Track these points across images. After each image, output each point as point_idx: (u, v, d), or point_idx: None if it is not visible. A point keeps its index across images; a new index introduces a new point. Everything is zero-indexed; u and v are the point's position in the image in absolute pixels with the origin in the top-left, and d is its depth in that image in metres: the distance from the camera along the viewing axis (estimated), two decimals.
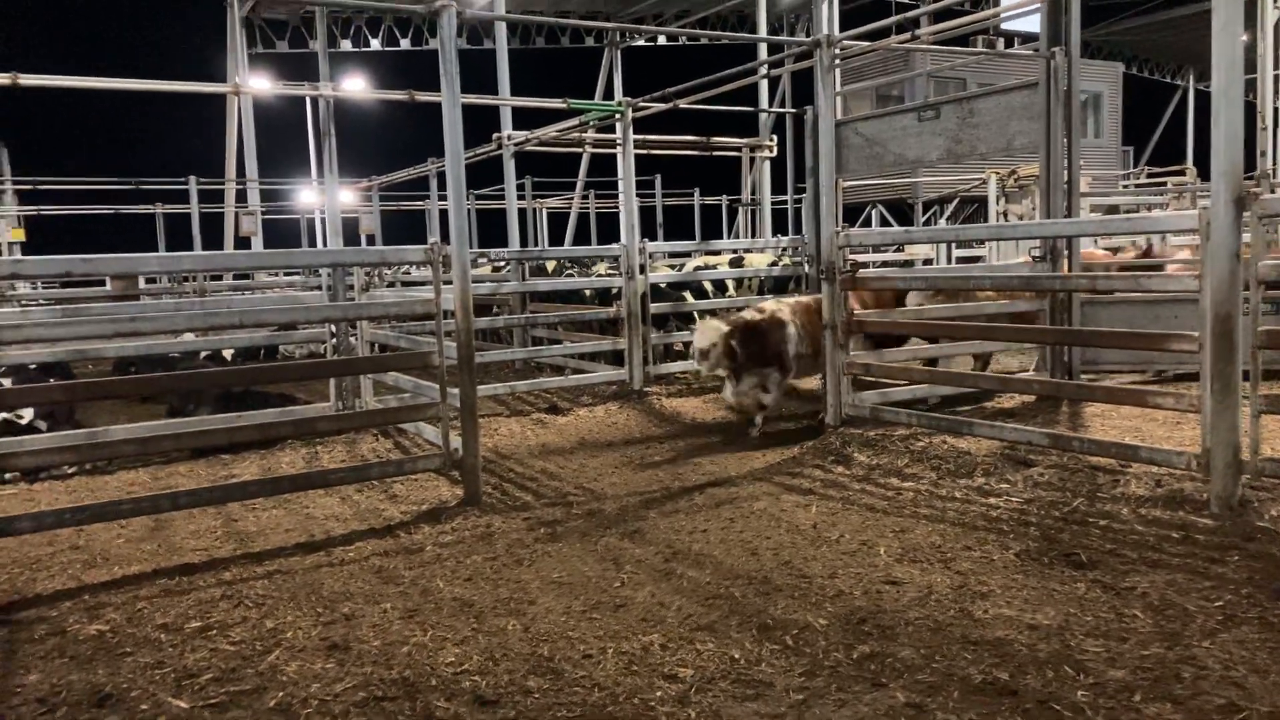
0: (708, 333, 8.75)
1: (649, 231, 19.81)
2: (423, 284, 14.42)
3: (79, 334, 6.09)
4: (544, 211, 27.81)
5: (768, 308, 9.14)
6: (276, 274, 21.70)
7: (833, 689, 3.94)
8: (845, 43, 9.33)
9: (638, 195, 26.34)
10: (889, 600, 4.82)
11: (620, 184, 11.12)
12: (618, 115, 12.14)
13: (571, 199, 26.80)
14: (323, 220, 24.43)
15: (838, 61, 9.13)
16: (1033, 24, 15.67)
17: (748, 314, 9.10)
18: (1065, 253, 9.14)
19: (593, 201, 26.37)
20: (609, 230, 27.62)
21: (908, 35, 12.41)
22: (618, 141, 13.43)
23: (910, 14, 14.70)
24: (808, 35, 16.66)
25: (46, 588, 5.54)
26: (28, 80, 8.76)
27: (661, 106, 11.83)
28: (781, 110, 17.70)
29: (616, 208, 26.31)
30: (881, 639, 4.37)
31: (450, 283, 7.03)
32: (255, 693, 4.09)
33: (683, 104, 11.99)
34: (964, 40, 22.90)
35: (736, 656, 4.27)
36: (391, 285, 14.59)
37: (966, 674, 3.95)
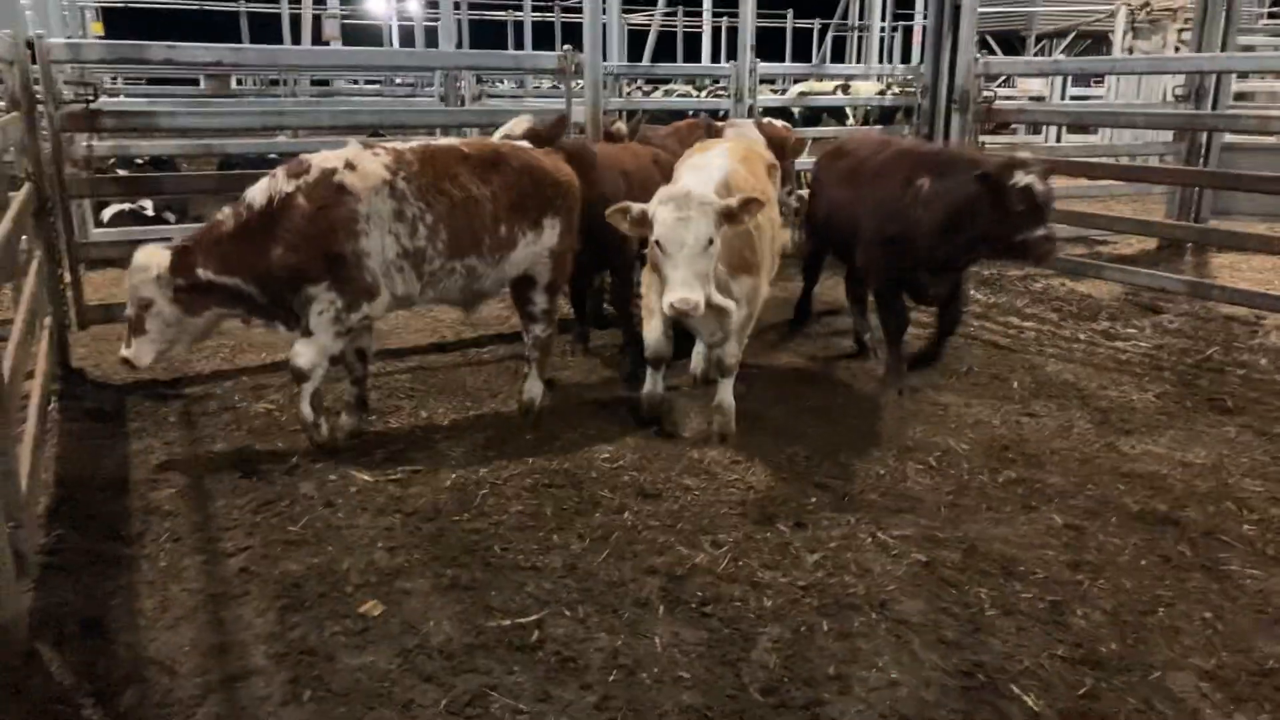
0: None
1: (734, 53, 18.89)
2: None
3: (223, 125, 6.12)
4: (626, 29, 26.63)
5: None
6: (357, 80, 21.29)
7: (983, 508, 4.06)
8: None
9: (718, 12, 25.05)
10: (1030, 431, 4.88)
11: None
12: None
13: (652, 14, 25.52)
14: (389, 28, 23.74)
15: None
16: None
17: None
18: (1211, 91, 8.62)
19: (680, 19, 25.15)
20: (691, 51, 26.46)
21: None
22: None
23: None
24: None
25: (204, 368, 5.83)
26: None
27: None
28: None
29: (699, 27, 25.12)
30: (1027, 466, 4.46)
31: (580, 96, 6.86)
32: (430, 473, 4.34)
33: None
34: None
35: (882, 472, 4.40)
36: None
37: (1122, 503, 4.05)
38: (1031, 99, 15.38)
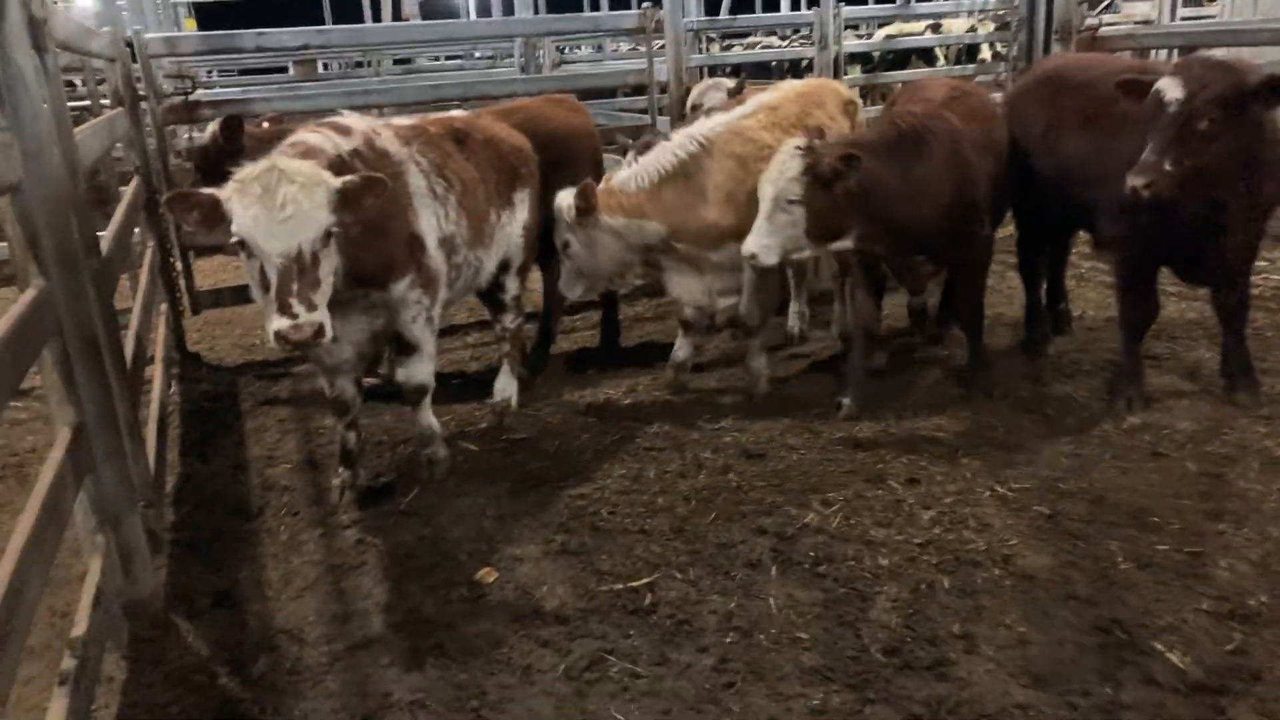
0: None
1: (814, 1, 18.42)
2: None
3: (313, 108, 6.25)
4: None
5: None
6: (438, 57, 21.49)
7: (1107, 457, 3.85)
8: None
9: None
10: (1153, 375, 4.58)
11: None
12: None
13: None
14: (466, 2, 23.77)
15: None
16: None
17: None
18: None
19: None
20: (772, 3, 25.77)
21: None
22: None
23: None
24: None
25: None
26: None
27: None
28: None
29: None
30: (1153, 411, 4.21)
31: (663, 54, 6.73)
32: (533, 441, 4.37)
33: None
34: None
35: (996, 424, 4.22)
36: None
37: (1263, 447, 3.79)
38: (1137, 23, 14.46)
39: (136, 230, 5.50)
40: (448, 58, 21.33)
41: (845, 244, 4.15)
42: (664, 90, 6.86)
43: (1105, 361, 4.81)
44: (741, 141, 4.45)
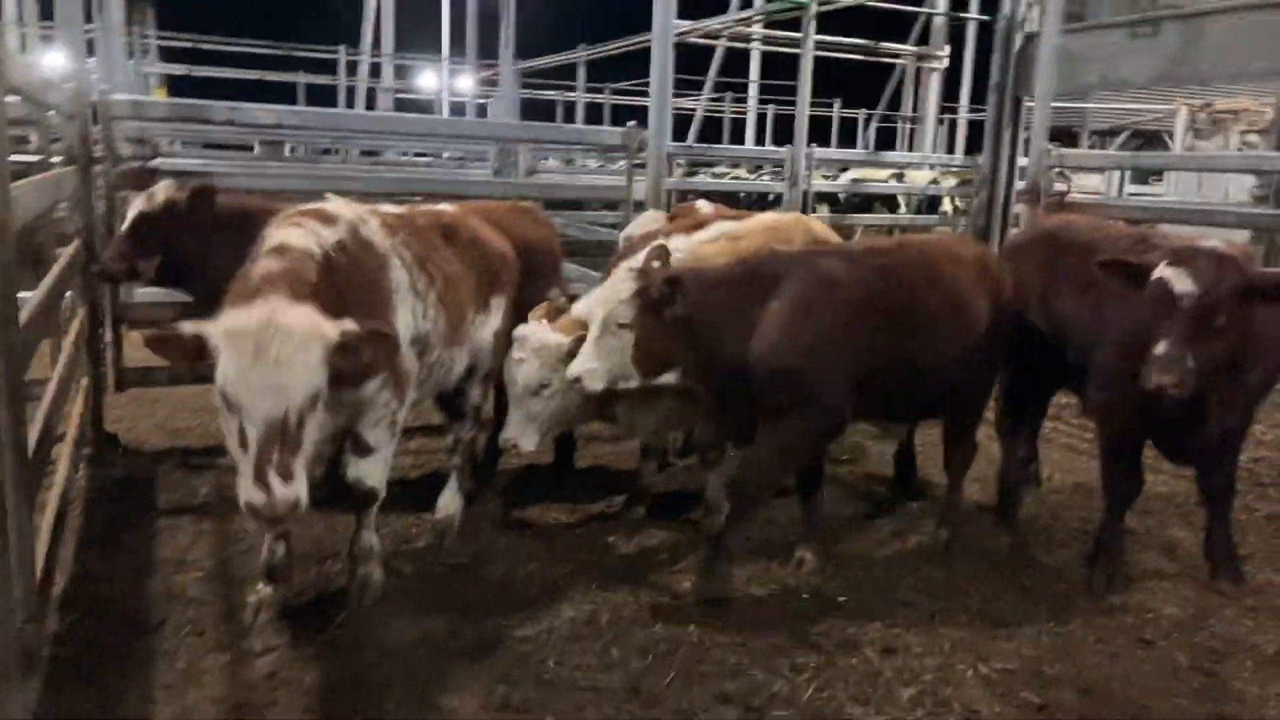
0: None
1: (779, 138, 19.01)
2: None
3: (279, 188, 6.02)
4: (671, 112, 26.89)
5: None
6: (406, 153, 21.59)
7: (1090, 640, 3.62)
8: None
9: (764, 99, 25.31)
10: (1131, 552, 4.42)
11: (798, 84, 10.39)
12: (800, 7, 11.39)
13: (698, 98, 25.72)
14: (440, 102, 24.09)
15: None
16: None
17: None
18: None
19: (728, 105, 25.41)
20: (736, 135, 26.66)
21: None
22: (799, 37, 12.62)
23: None
24: None
25: None
26: None
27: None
28: (958, 15, 16.41)
29: (744, 112, 25.31)
30: (1135, 591, 4.01)
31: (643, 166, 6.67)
32: (475, 568, 3.99)
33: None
34: None
35: (970, 590, 3.98)
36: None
37: (1253, 643, 3.60)
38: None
39: (68, 295, 5.12)
40: (416, 154, 21.45)
41: (670, 378, 3.81)
42: (638, 208, 6.78)
43: (1078, 529, 4.64)
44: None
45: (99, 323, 5.32)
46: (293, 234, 3.16)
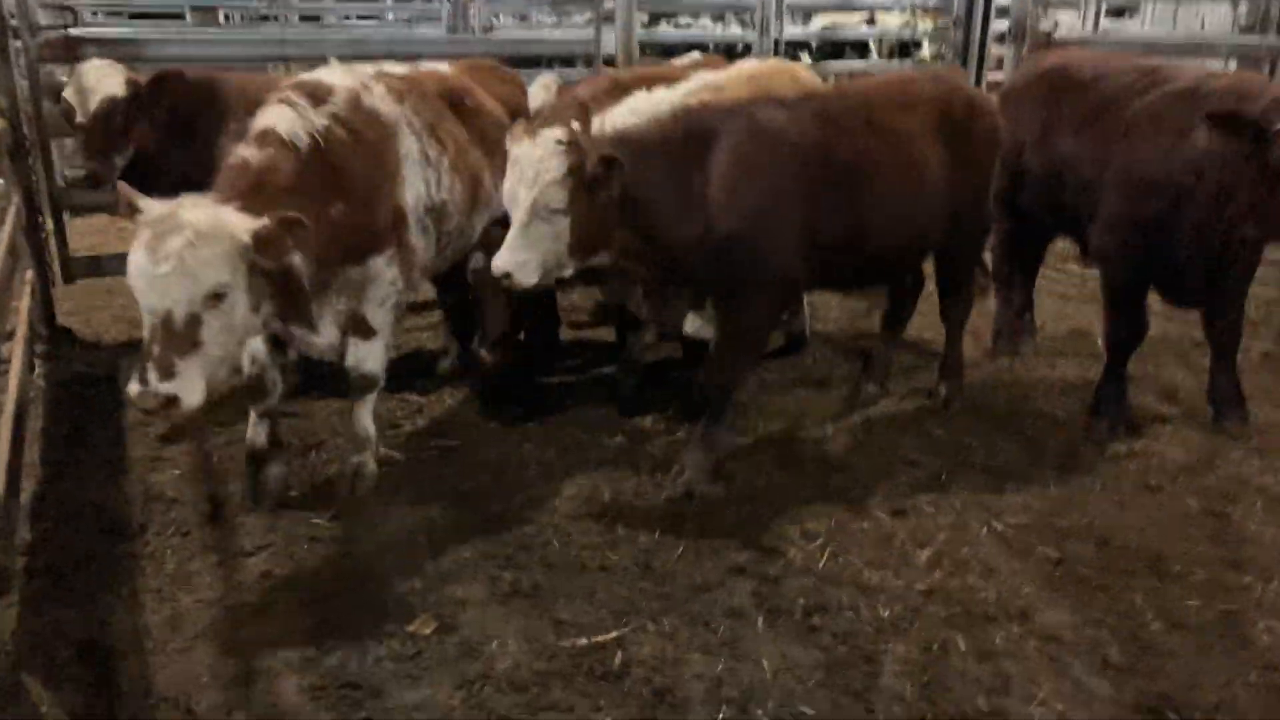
0: None
1: None
2: None
3: (216, 55, 5.53)
4: None
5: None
6: (349, 16, 20.29)
7: (1097, 488, 3.57)
8: None
9: None
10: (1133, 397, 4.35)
11: None
12: None
13: None
14: None
15: None
16: None
17: None
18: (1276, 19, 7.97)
19: None
20: None
21: None
22: None
23: None
24: None
25: None
26: None
27: None
28: None
29: None
30: (1136, 437, 3.96)
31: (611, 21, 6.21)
32: (469, 448, 3.84)
33: None
34: None
35: (973, 444, 3.90)
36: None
37: (1262, 483, 3.57)
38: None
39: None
40: (360, 16, 20.16)
41: (602, 260, 3.34)
42: (609, 64, 6.33)
43: (1078, 377, 4.56)
44: None
45: (36, 210, 4.93)
46: (278, 117, 3.02)
